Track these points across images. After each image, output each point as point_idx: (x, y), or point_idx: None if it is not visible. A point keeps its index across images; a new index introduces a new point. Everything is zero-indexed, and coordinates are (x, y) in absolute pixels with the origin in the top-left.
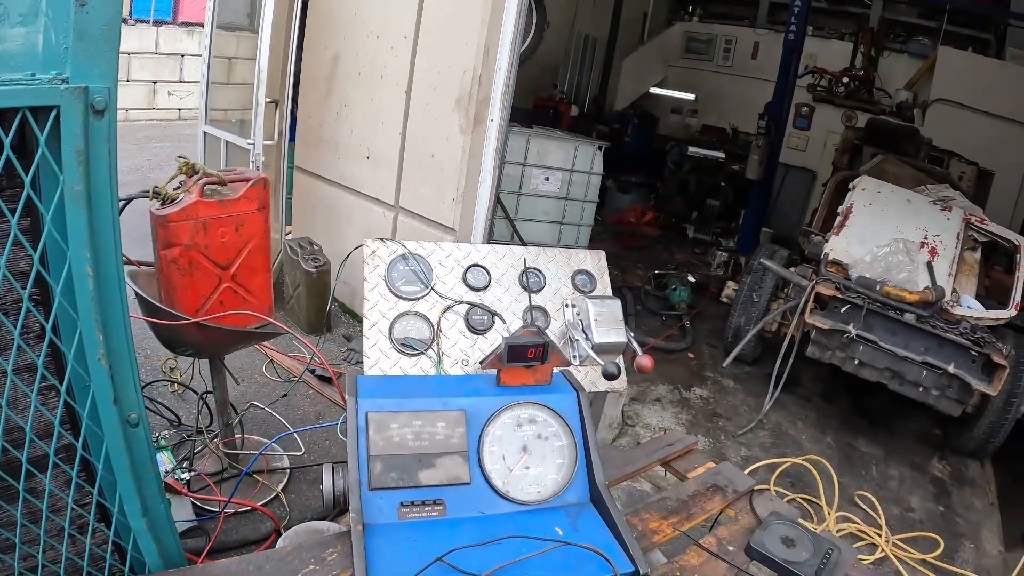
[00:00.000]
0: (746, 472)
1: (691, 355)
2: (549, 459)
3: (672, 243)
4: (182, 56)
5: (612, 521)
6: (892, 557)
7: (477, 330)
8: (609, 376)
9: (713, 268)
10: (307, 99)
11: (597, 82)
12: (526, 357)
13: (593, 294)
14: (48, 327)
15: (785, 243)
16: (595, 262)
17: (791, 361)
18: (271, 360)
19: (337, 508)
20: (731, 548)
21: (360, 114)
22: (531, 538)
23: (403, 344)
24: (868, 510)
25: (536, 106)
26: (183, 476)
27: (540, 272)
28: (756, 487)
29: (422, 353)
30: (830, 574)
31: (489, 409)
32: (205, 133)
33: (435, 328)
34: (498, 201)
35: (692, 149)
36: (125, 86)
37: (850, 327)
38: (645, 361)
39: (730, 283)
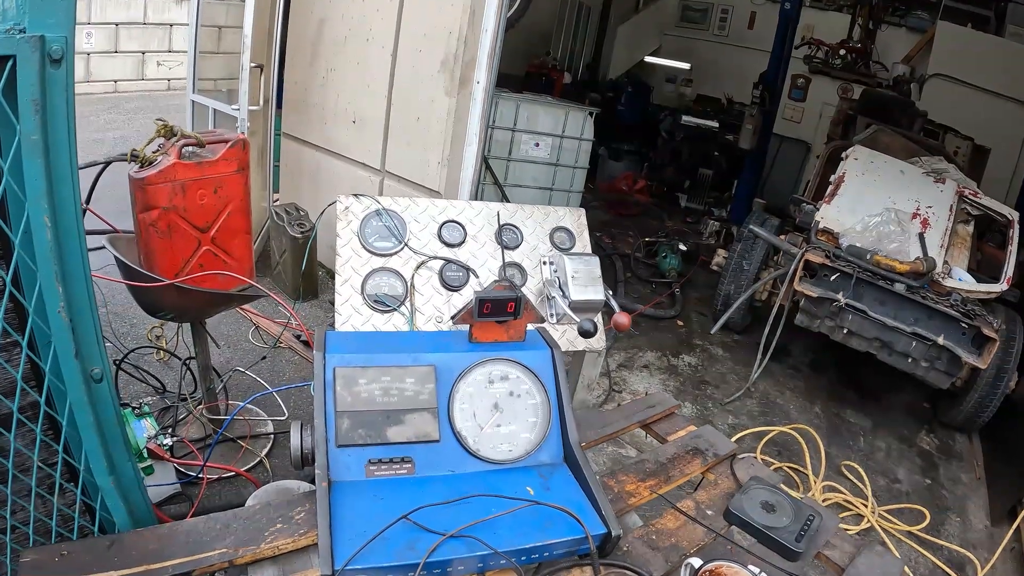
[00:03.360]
0: (732, 440)
1: (680, 323)
2: (522, 417)
3: (664, 212)
4: (171, 26)
5: (585, 482)
6: (878, 528)
7: (451, 286)
8: (585, 333)
9: (705, 237)
10: (294, 64)
11: (591, 50)
12: (498, 311)
13: (572, 251)
14: (8, 279)
15: (778, 214)
16: (575, 219)
17: (779, 330)
18: (256, 327)
19: (306, 466)
20: (710, 512)
21: (346, 78)
22: (500, 497)
23: (375, 300)
24: (855, 480)
25: (529, 73)
26: (166, 442)
27: (517, 229)
28: (737, 452)
29: (395, 310)
30: (811, 540)
31: (460, 365)
32: (193, 102)
33: (408, 284)
34: (487, 166)
35: (686, 118)
36: (113, 57)
37: (839, 295)
38: (622, 319)
39: (720, 251)
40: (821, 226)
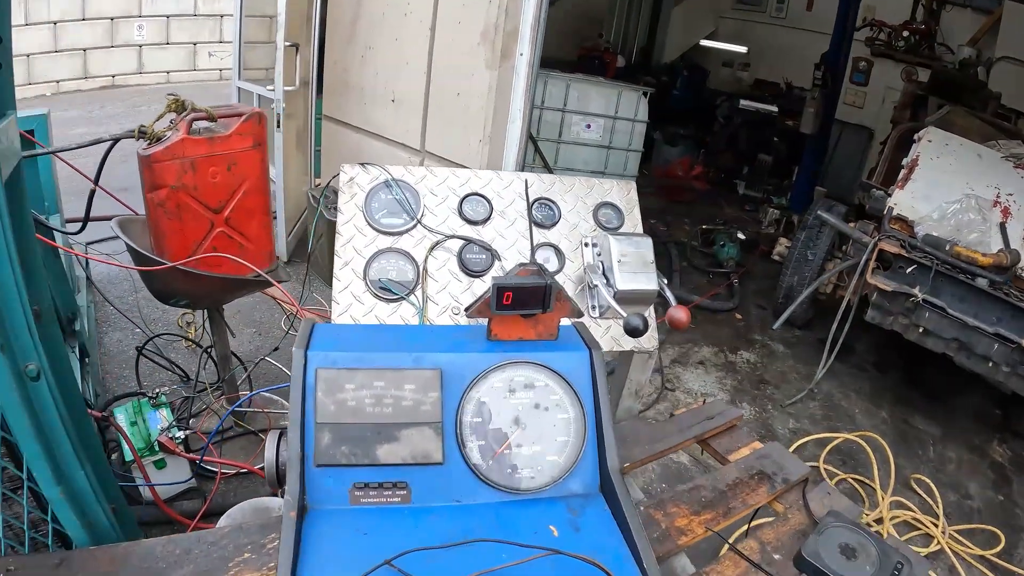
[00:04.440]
0: (794, 447)
1: (738, 316)
2: (549, 436)
3: (721, 199)
4: (221, 17)
5: (625, 520)
6: (948, 551)
7: (472, 271)
8: (632, 331)
9: (764, 226)
10: (333, 44)
11: (645, 33)
12: (522, 303)
13: (620, 231)
14: None
15: (840, 203)
16: (623, 194)
17: (847, 326)
18: (288, 314)
19: (283, 484)
20: (777, 556)
21: (384, 56)
22: (507, 543)
23: (380, 287)
24: (924, 495)
25: (581, 57)
26: (178, 435)
27: (553, 204)
28: (811, 478)
29: (403, 299)
30: None
31: (474, 369)
32: (239, 88)
33: (420, 268)
34: (536, 149)
35: (744, 102)
36: (165, 49)
37: (916, 290)
38: (680, 314)
39: (783, 240)
40: (895, 213)
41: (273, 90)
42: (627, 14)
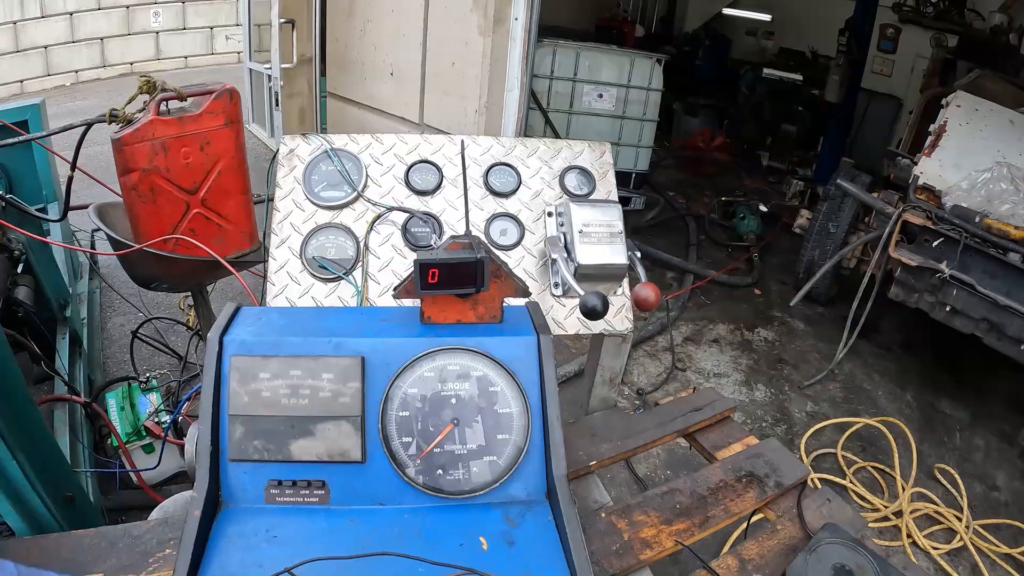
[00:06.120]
0: (810, 432)
1: (757, 291)
2: (487, 433)
3: (744, 171)
4: (237, 0)
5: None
6: (971, 547)
7: (419, 246)
8: (589, 312)
9: (788, 198)
10: (333, 20)
11: (664, 2)
12: (453, 281)
13: (590, 198)
14: None
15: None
16: (596, 156)
17: (870, 303)
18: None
19: None
20: None
21: (382, 28)
22: (415, 559)
23: (319, 266)
24: (948, 486)
25: (599, 27)
26: (165, 420)
27: (513, 169)
28: (811, 476)
29: (341, 277)
30: None
31: (401, 356)
32: (250, 70)
33: (361, 244)
34: (546, 120)
35: (767, 71)
36: (182, 34)
37: (943, 266)
38: (647, 292)
39: (804, 211)
40: (921, 182)
41: (270, 68)
42: None
